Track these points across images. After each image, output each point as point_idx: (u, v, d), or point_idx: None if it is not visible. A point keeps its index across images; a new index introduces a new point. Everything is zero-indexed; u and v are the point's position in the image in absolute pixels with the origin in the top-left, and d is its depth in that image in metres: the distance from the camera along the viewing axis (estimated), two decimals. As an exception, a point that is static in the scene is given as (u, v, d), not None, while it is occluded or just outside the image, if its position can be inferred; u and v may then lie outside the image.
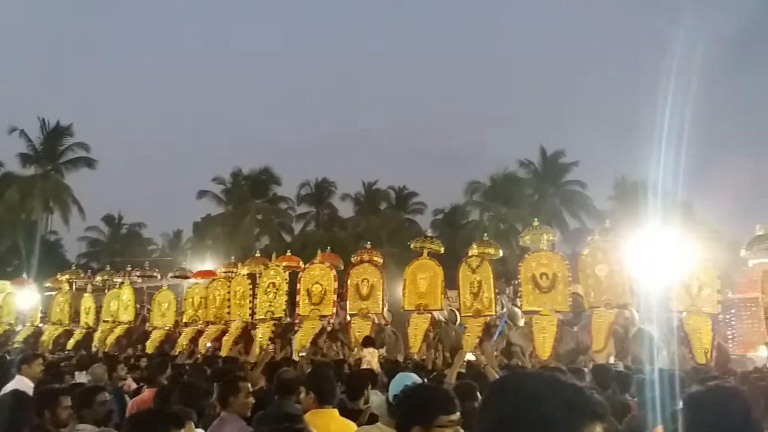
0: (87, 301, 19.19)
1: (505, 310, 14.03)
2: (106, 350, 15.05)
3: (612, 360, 11.70)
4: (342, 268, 16.14)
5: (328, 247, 17.47)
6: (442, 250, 15.19)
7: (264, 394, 5.09)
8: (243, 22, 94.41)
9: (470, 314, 13.75)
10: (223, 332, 15.54)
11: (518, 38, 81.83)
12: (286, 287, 15.21)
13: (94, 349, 15.74)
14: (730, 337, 19.61)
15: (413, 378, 3.61)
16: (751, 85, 65.90)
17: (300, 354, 12.37)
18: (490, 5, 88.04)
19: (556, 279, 13.14)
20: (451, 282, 14.62)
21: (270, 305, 15.10)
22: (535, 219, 15.49)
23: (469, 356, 7.59)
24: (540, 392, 1.18)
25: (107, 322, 18.18)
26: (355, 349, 11.82)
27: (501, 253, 15.08)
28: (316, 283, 14.84)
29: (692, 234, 14.46)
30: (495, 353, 12.02)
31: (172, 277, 19.61)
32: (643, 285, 12.94)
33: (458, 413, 2.68)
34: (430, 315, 13.94)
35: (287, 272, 15.61)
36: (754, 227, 13.53)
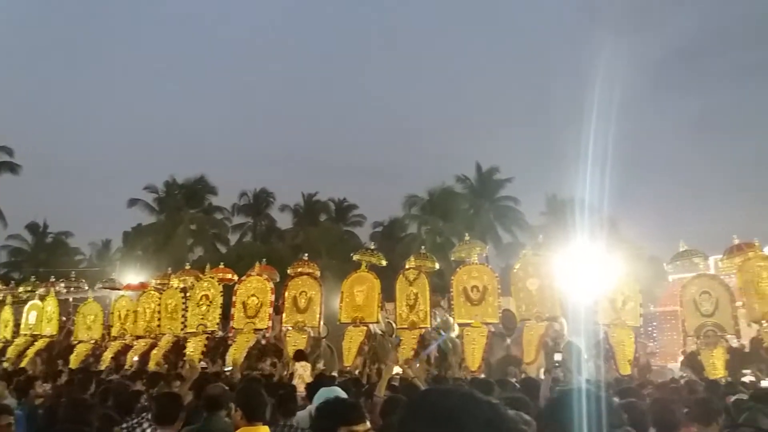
0: (5, 314, 18.12)
1: (439, 320, 14.22)
2: (21, 365, 14.22)
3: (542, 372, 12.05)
4: (279, 280, 15.94)
5: (264, 259, 17.23)
6: (384, 263, 15.29)
7: (192, 410, 4.97)
8: (180, 28, 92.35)
9: (406, 326, 13.86)
10: (153, 346, 15.02)
11: (459, 58, 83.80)
12: (220, 300, 14.88)
13: (5, 365, 14.88)
14: (652, 349, 20.65)
15: (336, 392, 3.61)
16: (673, 107, 70.05)
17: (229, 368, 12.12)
18: (430, 25, 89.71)
19: (486, 291, 13.48)
20: (389, 294, 14.71)
21: (203, 318, 14.71)
22: (467, 233, 15.83)
23: (398, 369, 7.65)
24: (456, 411, 1.17)
25: (25, 335, 17.21)
26: (289, 363, 11.70)
27: (437, 266, 15.33)
28: (252, 295, 14.59)
29: (617, 250, 15.14)
30: (427, 367, 12.19)
31: (99, 288, 18.79)
32: (572, 299, 13.44)
33: (364, 424, 2.79)
34: (366, 328, 13.97)
35: (221, 285, 15.28)
36: (677, 243, 14.11)
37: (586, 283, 13.11)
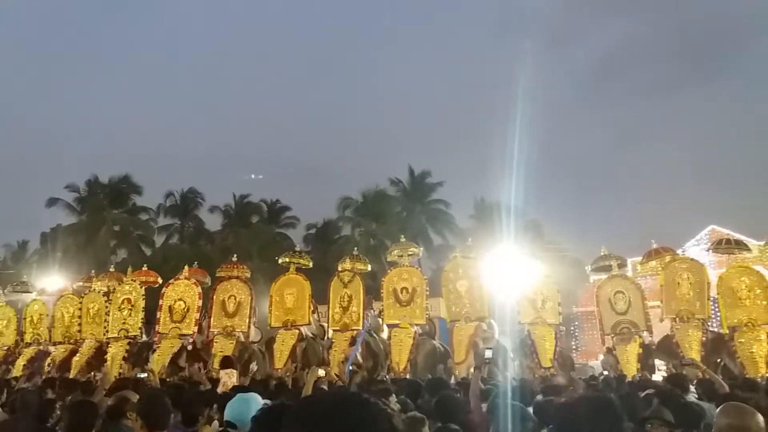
0: None
1: (369, 321, 14.32)
2: None
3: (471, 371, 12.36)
4: (210, 283, 15.58)
5: (195, 262, 16.77)
6: (311, 264, 15.21)
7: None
8: (104, 23, 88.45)
9: (338, 328, 13.85)
10: (73, 353, 14.33)
11: (393, 63, 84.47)
12: (142, 304, 14.36)
13: None
14: (574, 347, 21.59)
15: (252, 399, 3.55)
16: (596, 117, 73.54)
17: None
18: (364, 30, 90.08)
19: (415, 293, 13.70)
20: (322, 296, 14.66)
21: (124, 323, 14.15)
22: (402, 235, 16.01)
23: (321, 372, 7.65)
24: (327, 416, 1.17)
25: None
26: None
27: (370, 267, 15.42)
28: (179, 299, 14.17)
29: (541, 252, 15.75)
30: (356, 369, 12.22)
31: (10, 292, 17.71)
32: (498, 299, 13.86)
33: None
34: (297, 331, 13.87)
35: (144, 288, 14.76)
36: (598, 247, 14.75)
37: (511, 284, 13.55)
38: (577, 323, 22.08)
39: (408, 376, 11.43)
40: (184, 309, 14.04)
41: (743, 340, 11.79)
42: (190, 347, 13.68)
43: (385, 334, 13.80)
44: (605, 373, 12.15)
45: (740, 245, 13.66)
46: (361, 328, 13.83)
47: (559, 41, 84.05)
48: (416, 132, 72.94)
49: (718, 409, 2.76)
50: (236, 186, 47.42)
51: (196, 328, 14.01)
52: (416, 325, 13.39)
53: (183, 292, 14.28)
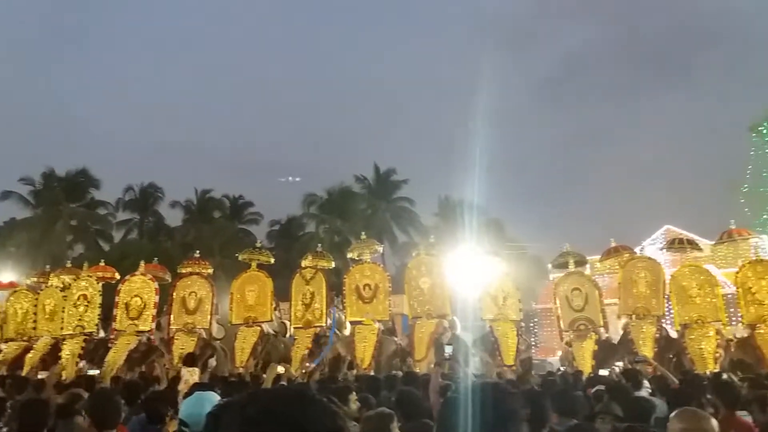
0: None
1: (334, 318, 14.31)
2: None
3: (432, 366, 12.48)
4: (169, 280, 15.31)
5: (155, 258, 16.45)
6: (272, 261, 15.09)
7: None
8: (72, 13, 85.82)
9: (301, 325, 13.81)
10: (27, 350, 13.93)
11: (360, 61, 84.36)
12: (99, 300, 14.04)
13: None
14: (533, 343, 22.01)
15: (208, 397, 3.52)
16: (557, 119, 74.91)
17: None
18: (332, 28, 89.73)
19: (378, 290, 13.76)
20: (286, 293, 14.58)
21: (80, 319, 13.81)
22: (363, 233, 16.04)
23: (280, 369, 7.64)
24: (265, 414, 1.14)
25: None
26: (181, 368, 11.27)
27: (333, 264, 15.40)
28: (136, 296, 13.89)
29: (502, 249, 15.99)
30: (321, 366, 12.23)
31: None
32: (461, 296, 14.03)
33: None
34: (259, 328, 13.77)
35: (101, 284, 14.42)
36: (558, 244, 15.06)
37: (473, 281, 13.74)
38: (536, 320, 22.51)
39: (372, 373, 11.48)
40: (140, 306, 13.78)
41: (693, 337, 12.20)
42: (149, 344, 13.46)
43: (347, 331, 13.81)
44: (562, 368, 12.42)
45: (692, 245, 14.12)
46: (323, 324, 13.83)
47: (523, 43, 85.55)
48: (382, 130, 73.23)
49: (672, 414, 2.81)
50: (198, 181, 46.73)
51: (153, 325, 13.78)
52: (378, 321, 13.46)
53: (139, 288, 14.01)
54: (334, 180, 36.89)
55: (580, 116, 73.32)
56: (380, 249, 15.17)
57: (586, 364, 12.08)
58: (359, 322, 13.47)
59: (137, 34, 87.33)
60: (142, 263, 14.84)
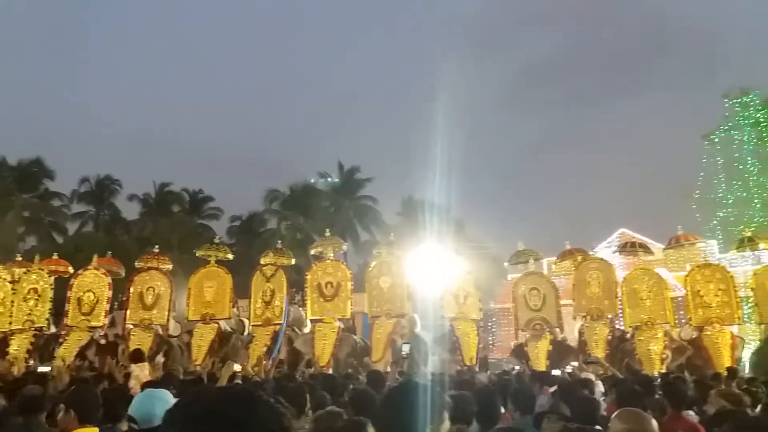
0: None
1: (291, 317, 14.22)
2: None
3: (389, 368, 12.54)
4: (123, 274, 14.97)
5: (109, 252, 16.05)
6: (231, 257, 14.90)
7: (2, 413, 4.53)
8: (24, 2, 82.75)
9: (260, 323, 13.69)
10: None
11: (329, 60, 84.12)
12: (50, 294, 13.63)
13: None
14: (491, 342, 22.31)
15: (159, 395, 3.48)
16: (522, 122, 76.14)
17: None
18: (302, 28, 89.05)
19: (339, 288, 13.74)
20: (246, 290, 14.41)
21: (30, 314, 13.39)
22: (327, 230, 15.98)
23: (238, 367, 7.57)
24: (203, 417, 1.12)
25: None
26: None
27: (294, 261, 15.29)
28: (88, 290, 13.55)
29: (463, 249, 16.18)
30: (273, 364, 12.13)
31: None
32: (422, 295, 14.12)
33: None
34: (216, 325, 13.59)
35: (53, 277, 14.00)
36: (516, 245, 15.26)
37: (434, 280, 13.84)
38: (494, 319, 22.80)
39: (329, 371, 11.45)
40: (93, 300, 13.45)
41: (642, 338, 12.56)
42: (102, 341, 13.15)
43: (307, 329, 13.75)
44: (514, 367, 12.63)
45: (643, 248, 14.54)
46: (283, 322, 13.73)
47: (489, 47, 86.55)
48: (348, 129, 73.13)
49: (614, 414, 2.86)
50: (157, 174, 45.74)
51: (107, 320, 13.46)
52: (339, 320, 13.44)
53: (92, 282, 13.66)
54: (297, 176, 36.74)
55: (542, 121, 74.66)
56: (344, 247, 15.15)
57: (540, 364, 12.32)
58: (320, 320, 13.43)
59: (95, 22, 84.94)
60: (95, 257, 14.46)
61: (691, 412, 5.28)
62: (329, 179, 37.47)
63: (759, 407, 5.60)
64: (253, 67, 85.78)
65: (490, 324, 22.25)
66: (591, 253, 15.93)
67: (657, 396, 5.74)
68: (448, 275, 13.99)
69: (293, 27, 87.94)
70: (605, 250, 20.40)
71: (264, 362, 10.48)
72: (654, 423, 2.70)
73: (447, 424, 1.88)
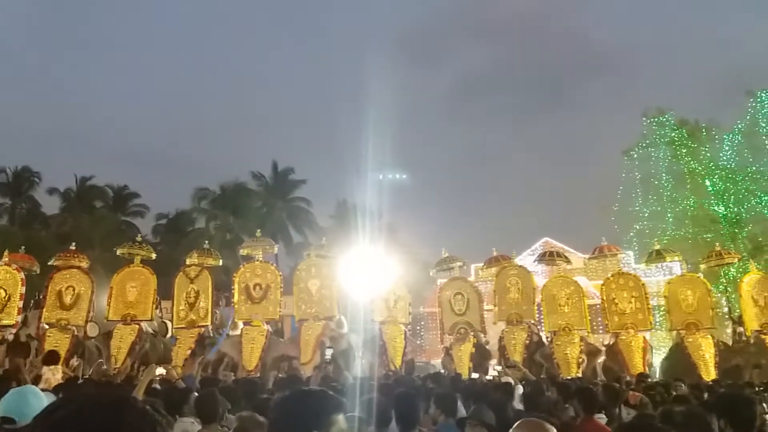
0: None
1: (228, 322, 13.92)
2: None
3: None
4: (38, 271, 14.22)
5: (22, 247, 15.18)
6: (153, 256, 14.43)
7: None
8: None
9: (183, 325, 13.34)
10: None
11: (268, 61, 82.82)
12: (-46, 290, 12.78)
13: None
14: (420, 345, 22.64)
15: (27, 393, 3.35)
16: (454, 134, 77.90)
17: None
18: (243, 28, 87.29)
19: (269, 290, 13.59)
20: (169, 291, 13.99)
21: (-70, 312, 12.51)
22: (258, 231, 15.75)
23: (160, 370, 7.35)
24: (66, 423, 1.10)
25: None
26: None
27: (221, 262, 14.98)
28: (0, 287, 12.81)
29: (395, 254, 16.37)
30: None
31: None
32: (352, 298, 14.19)
33: None
34: (138, 326, 13.13)
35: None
36: (449, 251, 15.56)
37: (366, 283, 13.94)
38: (423, 323, 23.15)
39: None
40: (4, 297, 12.74)
41: (560, 343, 13.13)
42: (11, 338, 12.42)
43: (236, 332, 13.50)
44: (442, 372, 12.88)
45: (562, 257, 15.17)
46: (209, 324, 13.45)
47: (427, 58, 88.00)
48: (284, 131, 72.28)
49: (516, 424, 2.91)
50: (79, 168, 43.61)
51: (19, 318, 12.75)
52: (267, 323, 13.28)
53: (3, 279, 12.95)
54: (228, 175, 35.93)
55: (476, 131, 76.46)
56: (275, 248, 14.96)
57: (464, 367, 12.63)
58: (248, 323, 13.23)
59: (21, 10, 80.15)
60: (6, 252, 13.67)
61: (602, 416, 5.54)
62: (262, 179, 36.84)
63: (659, 410, 5.96)
64: (186, 64, 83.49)
65: (418, 328, 22.58)
66: (517, 260, 16.49)
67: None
68: (380, 279, 14.13)
69: (230, 26, 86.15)
70: (528, 258, 21.17)
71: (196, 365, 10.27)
72: (552, 429, 2.79)
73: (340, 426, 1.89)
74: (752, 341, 12.95)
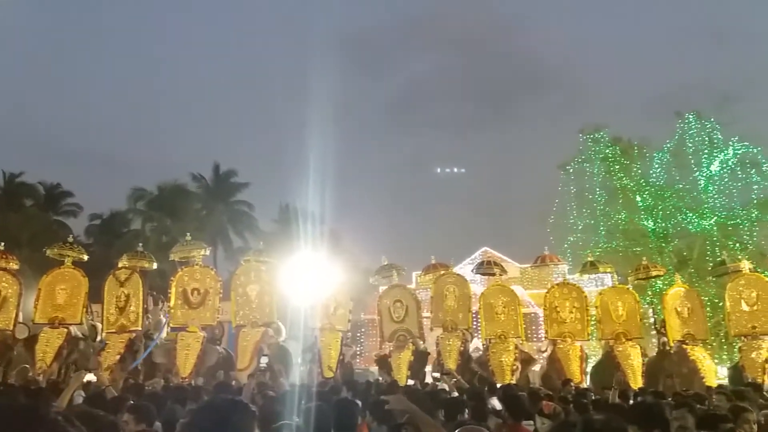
0: None
1: (163, 325, 13.50)
2: None
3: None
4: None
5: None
6: (85, 257, 13.88)
7: None
8: None
9: (114, 330, 12.88)
10: None
11: (212, 62, 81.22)
12: None
13: None
14: (358, 353, 22.65)
15: None
16: (402, 142, 78.63)
17: None
18: (184, 25, 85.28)
19: (207, 295, 13.29)
20: (99, 294, 13.47)
21: None
22: (188, 234, 15.33)
23: (89, 376, 7.11)
24: None
25: None
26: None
27: (156, 265, 14.53)
28: None
29: (338, 260, 16.34)
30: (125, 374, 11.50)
31: None
32: (292, 304, 14.07)
33: None
34: (66, 330, 12.59)
35: None
36: (390, 259, 15.63)
37: (307, 289, 13.85)
38: (363, 330, 23.20)
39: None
40: None
41: (495, 351, 13.40)
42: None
43: (163, 335, 13.12)
44: (380, 379, 12.95)
45: (499, 267, 15.53)
46: (139, 328, 13.02)
47: (375, 66, 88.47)
48: (227, 132, 71.05)
49: None
50: (7, 164, 41.40)
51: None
52: (203, 329, 12.96)
53: None
54: (167, 176, 35.01)
55: (420, 141, 77.46)
56: (207, 252, 14.57)
57: (402, 374, 12.72)
58: (183, 329, 12.89)
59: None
60: None
61: (530, 422, 5.71)
62: (203, 181, 36.01)
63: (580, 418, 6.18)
64: (124, 62, 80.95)
65: (359, 334, 22.60)
66: (456, 269, 16.79)
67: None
68: (321, 285, 14.07)
69: (170, 24, 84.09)
70: (468, 266, 21.60)
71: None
72: None
73: None
74: (674, 351, 13.61)
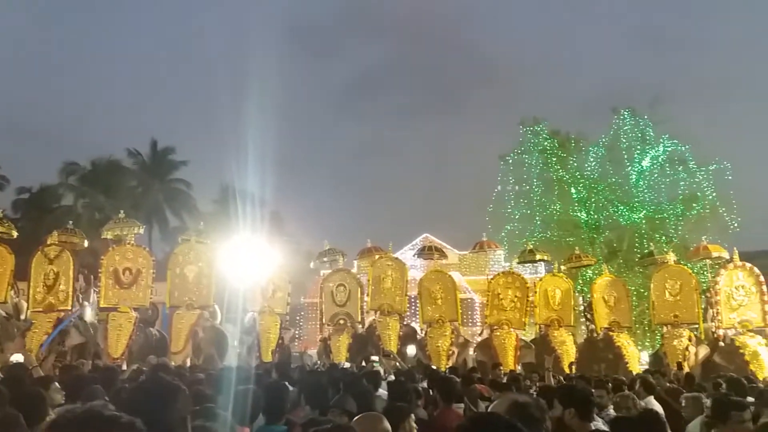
0: None
1: (84, 305, 13.01)
2: None
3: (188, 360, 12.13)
4: None
5: None
6: (15, 234, 13.19)
7: None
8: None
9: (41, 309, 12.35)
10: None
11: (153, 33, 78.09)
12: None
13: None
14: (297, 336, 22.58)
15: None
16: (348, 129, 78.31)
17: None
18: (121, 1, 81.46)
19: (139, 275, 12.89)
20: (26, 272, 12.85)
21: None
22: (122, 211, 14.77)
23: (18, 357, 6.81)
24: None
25: None
26: None
27: (86, 243, 13.96)
28: None
29: (278, 242, 16.22)
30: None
31: None
32: (231, 287, 13.86)
33: None
34: (-15, 309, 11.96)
35: None
36: (333, 242, 15.64)
37: (246, 272, 13.67)
38: (303, 313, 23.14)
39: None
40: None
41: (433, 336, 13.65)
42: None
43: (89, 317, 12.67)
44: (318, 362, 12.98)
45: (440, 252, 15.78)
46: (69, 308, 12.52)
47: (324, 52, 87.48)
48: (166, 109, 68.71)
49: (355, 418, 3.11)
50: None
51: None
52: (136, 309, 12.60)
53: None
54: (101, 151, 33.47)
55: (365, 128, 77.43)
56: (141, 230, 14.09)
57: (341, 357, 12.79)
58: (114, 309, 12.49)
59: None
60: None
61: (461, 405, 5.86)
62: (139, 157, 34.68)
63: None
64: (58, 32, 76.85)
65: (298, 318, 22.52)
66: (398, 254, 16.93)
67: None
68: (260, 268, 13.92)
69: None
70: (409, 251, 21.85)
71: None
72: (386, 424, 3.02)
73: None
74: (601, 338, 14.25)
